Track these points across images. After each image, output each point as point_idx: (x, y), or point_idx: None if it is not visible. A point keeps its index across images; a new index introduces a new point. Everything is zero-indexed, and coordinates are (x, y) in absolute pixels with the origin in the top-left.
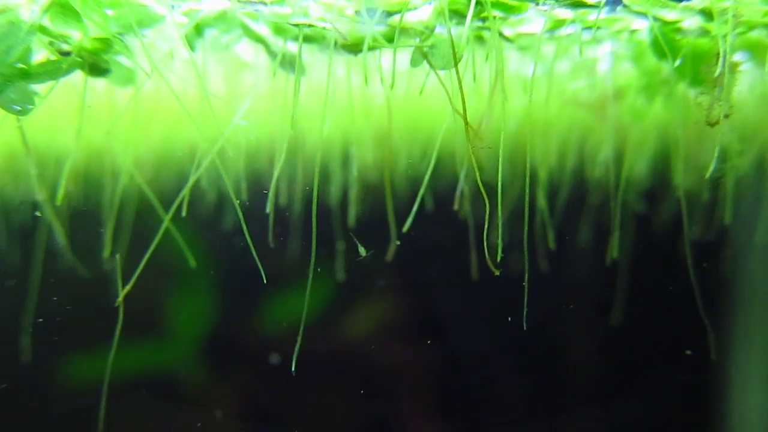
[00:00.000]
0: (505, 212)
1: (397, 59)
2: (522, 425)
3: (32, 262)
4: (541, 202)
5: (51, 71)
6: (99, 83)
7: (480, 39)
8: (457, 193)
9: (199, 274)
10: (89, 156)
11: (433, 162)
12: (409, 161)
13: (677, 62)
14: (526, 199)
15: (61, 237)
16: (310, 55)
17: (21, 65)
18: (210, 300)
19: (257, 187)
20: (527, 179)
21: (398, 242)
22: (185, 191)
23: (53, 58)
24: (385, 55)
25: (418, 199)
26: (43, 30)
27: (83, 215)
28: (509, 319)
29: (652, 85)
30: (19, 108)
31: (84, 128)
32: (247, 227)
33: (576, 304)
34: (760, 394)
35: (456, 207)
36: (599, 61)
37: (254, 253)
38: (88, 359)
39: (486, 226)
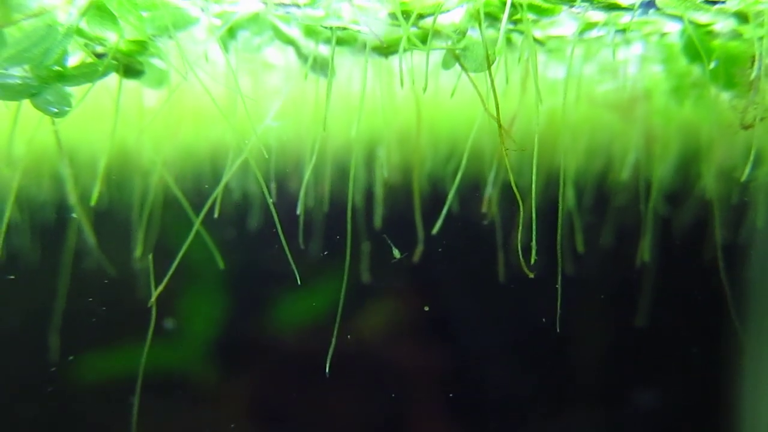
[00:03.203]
0: (531, 214)
1: (423, 61)
2: (535, 424)
3: (54, 262)
4: (570, 203)
5: (87, 73)
6: (128, 83)
7: (509, 41)
8: (486, 196)
9: (213, 274)
10: (117, 154)
11: (463, 164)
12: (436, 162)
13: (712, 65)
14: (561, 201)
15: (91, 238)
16: (339, 57)
17: (58, 67)
18: (222, 299)
19: (281, 186)
20: (562, 181)
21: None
22: (218, 191)
23: (89, 60)
24: (413, 57)
25: (448, 202)
26: (79, 32)
27: (105, 215)
28: (543, 319)
29: (682, 87)
30: (56, 110)
31: (113, 127)
32: (270, 227)
33: (600, 304)
34: None
35: (484, 209)
36: (628, 63)
37: (287, 251)
38: (99, 358)
39: (519, 228)
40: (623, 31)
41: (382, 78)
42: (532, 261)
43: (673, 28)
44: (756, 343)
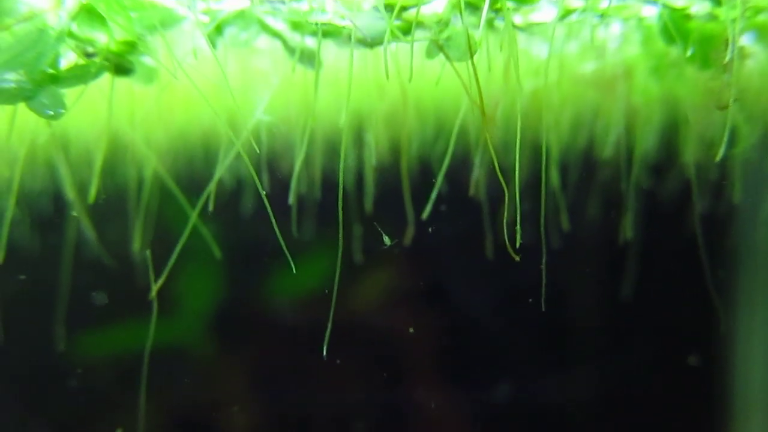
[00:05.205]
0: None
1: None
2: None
3: (54, 249)
4: (554, 181)
5: (80, 75)
6: None
7: (491, 25)
8: (473, 178)
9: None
10: (111, 144)
11: (450, 149)
12: (424, 141)
13: (689, 51)
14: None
15: (88, 228)
16: (326, 46)
17: (51, 70)
18: (218, 274)
19: (273, 166)
20: (543, 160)
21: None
22: (211, 186)
23: (81, 61)
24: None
25: (437, 186)
26: (70, 35)
27: (103, 197)
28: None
29: (661, 67)
30: (51, 112)
31: (107, 118)
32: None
33: (588, 280)
34: (763, 366)
35: (472, 192)
36: (610, 41)
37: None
38: (97, 336)
39: (505, 211)
40: (602, 15)
41: (369, 62)
42: (518, 244)
43: (651, 12)
44: (748, 313)
